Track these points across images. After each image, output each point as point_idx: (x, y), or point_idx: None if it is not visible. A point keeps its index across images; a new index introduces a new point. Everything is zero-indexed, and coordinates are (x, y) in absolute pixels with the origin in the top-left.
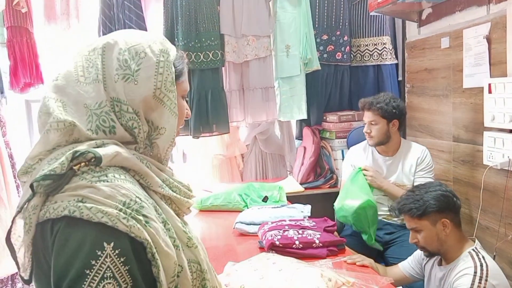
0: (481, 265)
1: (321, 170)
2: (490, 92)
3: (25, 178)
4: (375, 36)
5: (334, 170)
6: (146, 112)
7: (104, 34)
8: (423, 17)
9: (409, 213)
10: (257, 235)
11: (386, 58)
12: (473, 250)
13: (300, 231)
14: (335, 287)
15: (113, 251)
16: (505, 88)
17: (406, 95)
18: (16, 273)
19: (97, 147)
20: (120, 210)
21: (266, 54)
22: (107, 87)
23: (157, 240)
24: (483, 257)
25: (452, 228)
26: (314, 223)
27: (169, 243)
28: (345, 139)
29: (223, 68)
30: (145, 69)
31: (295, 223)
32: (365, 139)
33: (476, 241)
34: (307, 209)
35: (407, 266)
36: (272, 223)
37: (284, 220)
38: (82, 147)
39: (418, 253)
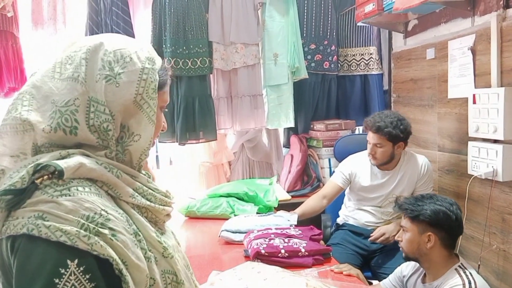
0: (469, 282)
1: (308, 178)
2: (474, 102)
3: None
4: (362, 46)
5: (321, 178)
6: (123, 117)
7: None
8: (409, 28)
9: (404, 211)
10: (243, 244)
11: (372, 68)
12: (459, 266)
13: (286, 240)
14: None
15: (77, 268)
16: (489, 99)
17: (392, 105)
18: None
19: (62, 158)
20: (82, 226)
21: (255, 62)
22: (87, 86)
23: (126, 254)
24: (470, 273)
25: (437, 245)
26: (300, 232)
27: (140, 256)
28: (332, 148)
29: (211, 75)
30: (128, 73)
31: (281, 231)
32: (356, 149)
33: (460, 258)
34: (293, 217)
35: (388, 283)
36: (258, 231)
37: (270, 229)
38: (44, 159)
39: (398, 270)
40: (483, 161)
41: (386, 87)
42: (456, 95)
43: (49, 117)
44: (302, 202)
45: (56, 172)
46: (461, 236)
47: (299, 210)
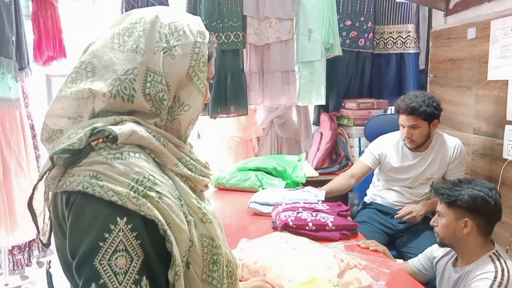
0: (502, 270)
1: (336, 156)
2: None
3: (48, 146)
4: (400, 24)
5: (350, 157)
6: (176, 88)
7: (126, 10)
8: (451, 6)
9: (440, 196)
10: (271, 216)
11: (409, 47)
12: (494, 253)
13: (314, 214)
14: (347, 268)
15: (125, 226)
16: None
17: (428, 85)
18: (33, 240)
19: (116, 123)
20: (132, 188)
21: (288, 37)
22: (146, 57)
23: (170, 215)
24: (504, 261)
25: (474, 231)
26: (328, 207)
27: (183, 218)
28: (363, 127)
29: (244, 49)
30: (182, 46)
31: (309, 205)
32: (388, 129)
33: (496, 244)
34: (321, 193)
35: (417, 262)
36: (286, 204)
37: (298, 203)
38: (100, 124)
39: (429, 251)
40: None
41: (422, 67)
42: (496, 77)
43: (109, 84)
44: (329, 180)
45: (111, 137)
46: None
47: (326, 187)
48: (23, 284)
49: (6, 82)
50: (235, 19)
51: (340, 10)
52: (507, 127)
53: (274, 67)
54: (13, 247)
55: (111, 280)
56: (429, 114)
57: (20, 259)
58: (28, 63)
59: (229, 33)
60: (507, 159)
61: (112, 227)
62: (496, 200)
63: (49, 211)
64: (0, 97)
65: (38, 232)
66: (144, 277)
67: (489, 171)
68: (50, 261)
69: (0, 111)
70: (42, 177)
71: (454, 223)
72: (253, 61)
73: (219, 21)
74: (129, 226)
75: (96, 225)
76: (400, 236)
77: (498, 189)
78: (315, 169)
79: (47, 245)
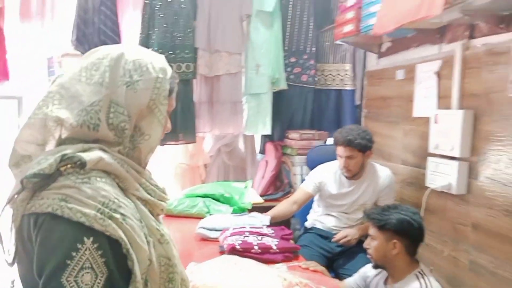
0: (426, 286)
1: (280, 183)
2: (436, 122)
3: (15, 171)
4: (339, 63)
5: (293, 184)
6: (137, 118)
7: (77, 36)
8: (383, 49)
9: (372, 221)
10: (218, 240)
11: (346, 84)
12: (419, 272)
13: (259, 237)
14: (290, 286)
15: (92, 245)
16: (449, 119)
17: (362, 119)
18: None
19: (84, 151)
20: (98, 210)
21: (237, 70)
22: (110, 90)
23: (133, 236)
24: (428, 279)
25: (402, 252)
26: (272, 231)
27: (143, 239)
28: (305, 156)
29: (194, 80)
30: (144, 81)
31: (255, 230)
32: (327, 158)
33: (421, 264)
34: (266, 219)
35: (352, 281)
36: (233, 229)
37: (245, 227)
38: (69, 151)
39: (363, 270)
40: (440, 175)
41: (358, 102)
42: (420, 114)
43: (76, 114)
44: (274, 206)
45: (79, 163)
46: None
47: (270, 213)
48: None
49: None
50: (187, 51)
51: (286, 48)
52: (429, 158)
53: (223, 97)
54: None
55: None
56: (363, 146)
57: None
58: None
59: (180, 64)
60: (428, 187)
61: (79, 246)
62: (419, 223)
63: (16, 232)
64: None
65: (4, 252)
66: (121, 277)
67: (415, 198)
68: (14, 280)
69: None
70: (10, 200)
71: (384, 245)
72: (203, 91)
73: (171, 52)
74: (95, 245)
75: (64, 245)
76: (337, 259)
77: (422, 214)
78: (260, 195)
79: (11, 264)
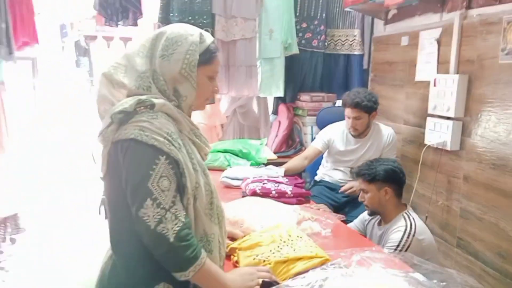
0: (411, 225)
1: (292, 142)
2: (435, 85)
3: (102, 111)
4: (348, 28)
5: (304, 143)
6: (174, 83)
7: (99, 1)
8: (389, 16)
9: (362, 177)
10: (240, 188)
11: (355, 49)
12: (406, 213)
13: (276, 185)
14: (303, 220)
15: (165, 161)
16: (446, 83)
17: (369, 82)
18: (7, 217)
19: (153, 98)
20: (165, 138)
21: (252, 35)
22: (152, 62)
23: (186, 161)
24: (413, 218)
25: (392, 196)
26: (287, 180)
27: (190, 167)
28: (315, 117)
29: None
30: (178, 53)
31: (272, 179)
32: (336, 119)
33: (408, 205)
34: (281, 170)
35: (354, 224)
36: (253, 177)
37: (263, 177)
38: (143, 97)
39: (362, 216)
40: (436, 134)
41: (365, 67)
42: (422, 78)
43: (134, 80)
44: (286, 162)
45: (150, 105)
46: (413, 193)
47: (284, 166)
48: (1, 257)
49: None
50: (205, 16)
51: (297, 14)
52: (428, 119)
53: (238, 61)
54: None
55: (160, 195)
56: (369, 108)
57: None
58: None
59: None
60: (426, 144)
61: (157, 161)
62: (401, 169)
63: (107, 155)
64: None
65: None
66: (177, 194)
67: (414, 154)
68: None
69: None
70: (101, 132)
71: (377, 194)
72: (220, 55)
73: (190, 18)
74: (167, 161)
75: (146, 161)
76: (343, 208)
77: (419, 168)
78: (274, 152)
79: (103, 179)
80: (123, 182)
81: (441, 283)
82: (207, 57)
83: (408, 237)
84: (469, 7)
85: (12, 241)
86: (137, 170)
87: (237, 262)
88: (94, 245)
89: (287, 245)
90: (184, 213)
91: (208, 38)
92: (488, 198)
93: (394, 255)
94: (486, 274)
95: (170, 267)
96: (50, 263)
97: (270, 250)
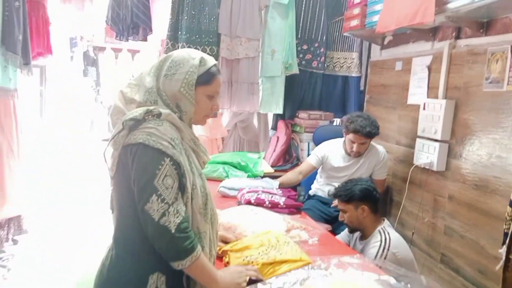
0: (385, 239)
1: (289, 157)
2: (424, 109)
3: (115, 120)
4: (346, 51)
5: (300, 158)
6: (176, 100)
7: (112, 17)
8: (385, 42)
9: (339, 198)
10: (236, 198)
11: (353, 71)
12: (381, 228)
13: (270, 196)
14: (292, 228)
15: (169, 162)
16: (434, 107)
17: (365, 103)
18: (11, 218)
19: (160, 108)
20: (169, 142)
21: (255, 54)
22: (157, 80)
23: (186, 164)
24: (388, 233)
25: (369, 213)
26: (281, 192)
27: (189, 169)
28: (312, 134)
29: (216, 62)
30: (179, 74)
31: (267, 190)
32: (331, 136)
33: (385, 220)
34: (276, 183)
35: (340, 237)
36: (249, 188)
37: (258, 188)
38: (151, 107)
39: (346, 230)
40: (424, 154)
41: (362, 88)
42: (413, 101)
43: (143, 95)
44: (282, 176)
45: (157, 114)
46: (401, 210)
47: (279, 179)
48: (4, 256)
49: (7, 74)
50: (211, 36)
51: (299, 36)
52: (417, 140)
53: (241, 78)
54: None
55: (164, 192)
56: (375, 134)
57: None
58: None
59: (205, 46)
60: (414, 164)
61: (162, 162)
62: (374, 187)
63: (117, 157)
64: (1, 87)
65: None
66: (179, 192)
67: (404, 173)
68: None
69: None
70: (113, 137)
71: (355, 213)
72: (224, 72)
73: (197, 36)
74: (171, 163)
75: (153, 162)
76: (334, 221)
77: (407, 186)
78: (271, 166)
79: (112, 177)
80: (131, 181)
81: (408, 285)
82: (206, 78)
83: (383, 251)
84: (458, 37)
85: (14, 242)
86: (145, 170)
87: (228, 263)
88: (94, 246)
89: (275, 249)
90: (185, 209)
91: (210, 62)
92: (470, 217)
93: (370, 261)
94: None
95: (169, 257)
96: (50, 263)
97: (259, 253)
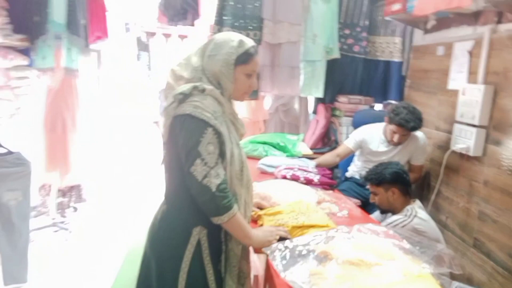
0: (410, 215)
1: (328, 140)
2: (463, 94)
3: (168, 94)
4: (389, 36)
5: (339, 141)
6: (217, 78)
7: (164, 2)
8: (428, 26)
9: (370, 181)
10: (273, 174)
11: (395, 56)
12: (410, 207)
13: (305, 173)
14: (323, 200)
15: (212, 131)
16: (473, 92)
17: (406, 88)
18: (73, 187)
19: (205, 84)
20: (212, 114)
21: (297, 39)
22: (202, 59)
23: (226, 133)
24: (416, 211)
25: (399, 195)
26: (316, 170)
27: (228, 139)
28: (351, 118)
29: (259, 46)
30: (220, 55)
31: (303, 168)
32: (371, 121)
33: (417, 201)
34: (312, 163)
35: (373, 216)
36: (286, 165)
37: (295, 166)
38: (197, 84)
39: (379, 211)
40: (462, 139)
41: (404, 73)
42: (453, 86)
43: (190, 72)
44: None
45: (202, 89)
46: (435, 195)
47: (316, 160)
48: (65, 220)
49: (71, 56)
50: (255, 20)
51: (341, 20)
52: (455, 125)
53: (283, 62)
54: (58, 191)
55: (207, 157)
56: (419, 126)
57: (63, 201)
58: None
59: (249, 31)
60: (451, 149)
61: (205, 131)
62: (404, 170)
63: (169, 126)
64: (66, 67)
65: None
66: (220, 158)
67: (441, 158)
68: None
69: (64, 79)
70: (165, 108)
71: (385, 195)
72: (267, 56)
73: (241, 21)
74: (213, 132)
75: (198, 130)
76: (369, 203)
77: (442, 171)
78: (310, 149)
79: (164, 145)
80: (179, 147)
81: (421, 249)
82: (244, 58)
83: (402, 222)
84: (499, 21)
85: (75, 209)
86: (190, 137)
87: (261, 225)
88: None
89: (304, 215)
90: (224, 172)
91: (248, 43)
92: (504, 202)
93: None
94: (496, 273)
95: (210, 213)
96: (105, 229)
97: (289, 217)
